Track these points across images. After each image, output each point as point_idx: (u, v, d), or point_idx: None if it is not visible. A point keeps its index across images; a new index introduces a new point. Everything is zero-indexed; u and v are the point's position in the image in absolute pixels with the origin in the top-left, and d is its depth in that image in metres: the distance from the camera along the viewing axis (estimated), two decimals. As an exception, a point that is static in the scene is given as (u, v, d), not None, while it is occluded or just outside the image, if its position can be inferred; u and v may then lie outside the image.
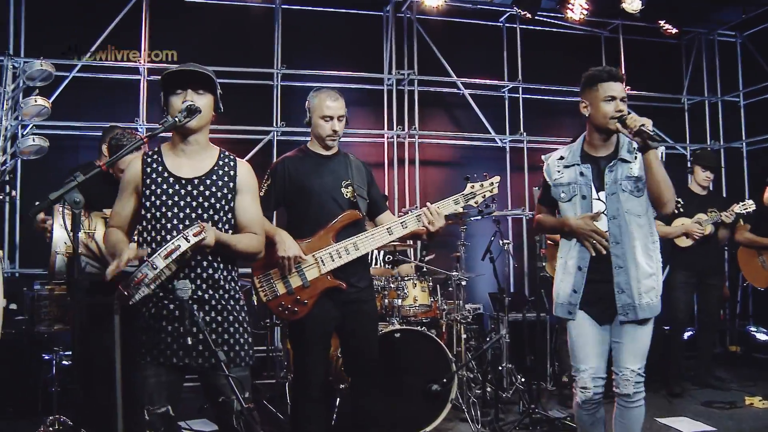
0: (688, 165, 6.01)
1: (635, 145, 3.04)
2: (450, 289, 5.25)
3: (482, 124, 7.13)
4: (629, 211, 3.05)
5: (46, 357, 4.81)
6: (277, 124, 6.55)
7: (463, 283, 5.14)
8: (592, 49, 7.74)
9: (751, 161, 7.81)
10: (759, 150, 7.66)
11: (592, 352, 3.13)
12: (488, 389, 5.05)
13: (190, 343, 2.38)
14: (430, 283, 5.07)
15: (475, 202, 3.57)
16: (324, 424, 3.57)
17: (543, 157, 3.38)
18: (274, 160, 6.45)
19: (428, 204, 3.46)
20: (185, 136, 2.64)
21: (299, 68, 6.74)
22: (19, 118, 5.37)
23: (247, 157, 6.38)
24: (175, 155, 2.68)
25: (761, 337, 7.11)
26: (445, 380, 4.35)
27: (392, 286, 4.78)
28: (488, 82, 7.28)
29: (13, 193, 4.71)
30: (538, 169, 7.51)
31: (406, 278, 4.90)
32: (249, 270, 3.39)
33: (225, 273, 2.66)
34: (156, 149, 2.72)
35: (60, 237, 3.29)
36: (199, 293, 2.58)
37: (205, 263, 2.60)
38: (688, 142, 7.97)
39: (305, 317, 3.36)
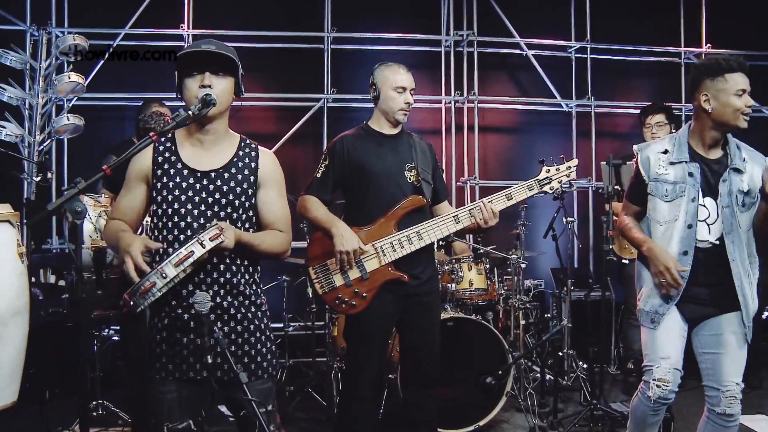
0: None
1: (744, 154, 2.88)
2: (509, 269, 4.99)
3: (547, 88, 6.70)
4: (742, 226, 2.87)
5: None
6: (327, 90, 6.30)
7: (523, 265, 4.87)
8: (666, 5, 7.13)
9: None
10: None
11: (674, 344, 2.88)
12: (547, 377, 4.82)
13: (210, 361, 2.20)
14: (487, 265, 4.82)
15: (551, 188, 3.30)
16: (371, 422, 3.41)
17: (636, 147, 3.10)
18: (325, 128, 6.31)
19: (483, 200, 3.21)
20: (202, 125, 2.39)
21: (351, 31, 6.44)
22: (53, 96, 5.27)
23: (297, 126, 6.19)
24: (190, 145, 2.43)
25: None
26: (500, 372, 4.14)
27: (446, 269, 4.55)
28: (554, 42, 6.82)
29: (49, 175, 4.63)
30: (606, 136, 7.05)
31: (461, 260, 4.66)
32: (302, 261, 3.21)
33: (246, 277, 2.45)
34: (170, 136, 2.46)
35: (85, 230, 3.18)
36: (218, 299, 2.36)
37: (222, 266, 2.38)
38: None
39: (363, 311, 3.18)
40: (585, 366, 5.02)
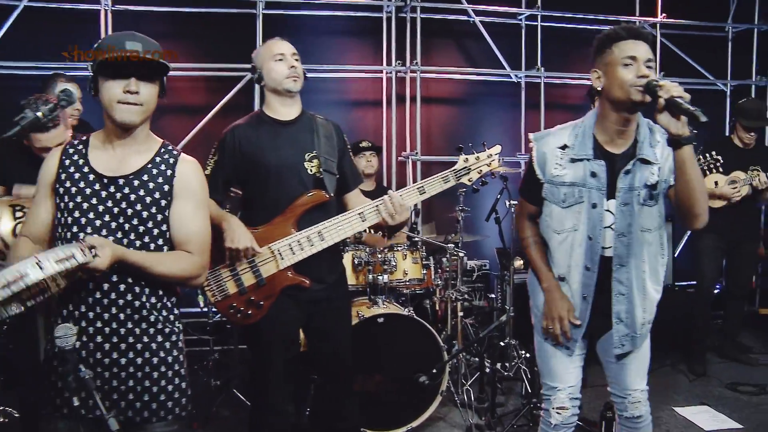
0: (730, 117, 5.28)
1: (659, 137, 2.47)
2: (446, 257, 4.75)
3: (495, 58, 6.39)
4: (643, 226, 2.49)
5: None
6: (259, 61, 5.86)
7: (461, 254, 4.63)
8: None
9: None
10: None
11: (570, 369, 2.68)
12: (487, 369, 4.63)
13: (76, 404, 1.89)
14: (424, 253, 4.58)
15: (469, 180, 3.07)
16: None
17: (532, 137, 2.66)
18: (256, 101, 5.92)
19: (390, 192, 2.95)
20: (122, 128, 2.12)
21: (285, -6, 6.01)
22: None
23: (225, 99, 5.77)
24: (103, 148, 2.17)
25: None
26: (434, 371, 3.92)
27: (379, 258, 4.29)
28: (503, 9, 6.47)
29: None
30: (557, 108, 6.73)
31: (395, 248, 4.40)
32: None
33: (153, 300, 2.14)
34: (84, 138, 2.21)
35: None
36: (114, 324, 2.07)
37: (123, 286, 2.08)
38: (729, 78, 7.16)
39: (262, 321, 2.92)
40: (527, 356, 4.85)
